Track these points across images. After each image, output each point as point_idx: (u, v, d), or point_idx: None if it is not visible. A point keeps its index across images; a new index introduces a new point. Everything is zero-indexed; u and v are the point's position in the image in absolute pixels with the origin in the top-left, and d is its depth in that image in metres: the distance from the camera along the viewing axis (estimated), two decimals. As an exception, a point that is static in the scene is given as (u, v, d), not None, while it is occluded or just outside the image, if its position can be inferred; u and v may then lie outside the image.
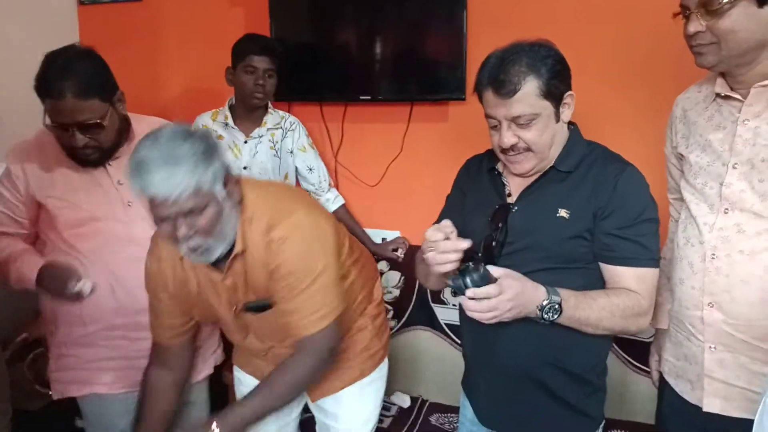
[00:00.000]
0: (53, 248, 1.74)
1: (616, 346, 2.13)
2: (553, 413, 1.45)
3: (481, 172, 1.58)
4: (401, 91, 2.49)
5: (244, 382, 1.79)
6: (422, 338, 2.39)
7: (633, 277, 1.37)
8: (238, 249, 1.44)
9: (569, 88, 1.40)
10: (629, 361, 2.15)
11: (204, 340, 1.86)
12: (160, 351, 1.66)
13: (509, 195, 1.49)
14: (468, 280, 1.25)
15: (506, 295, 1.24)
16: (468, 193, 1.59)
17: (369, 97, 2.48)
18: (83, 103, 1.57)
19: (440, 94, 2.44)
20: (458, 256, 1.29)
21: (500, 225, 1.45)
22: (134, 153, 1.31)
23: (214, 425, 1.42)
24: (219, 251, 1.41)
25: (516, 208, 1.45)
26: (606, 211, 1.37)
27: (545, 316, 1.29)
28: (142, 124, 1.78)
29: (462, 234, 1.52)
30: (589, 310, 1.33)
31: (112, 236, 1.71)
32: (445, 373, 2.32)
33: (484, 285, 1.24)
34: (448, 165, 2.45)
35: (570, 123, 1.46)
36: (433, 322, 2.39)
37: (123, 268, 1.70)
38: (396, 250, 2.48)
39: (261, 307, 1.53)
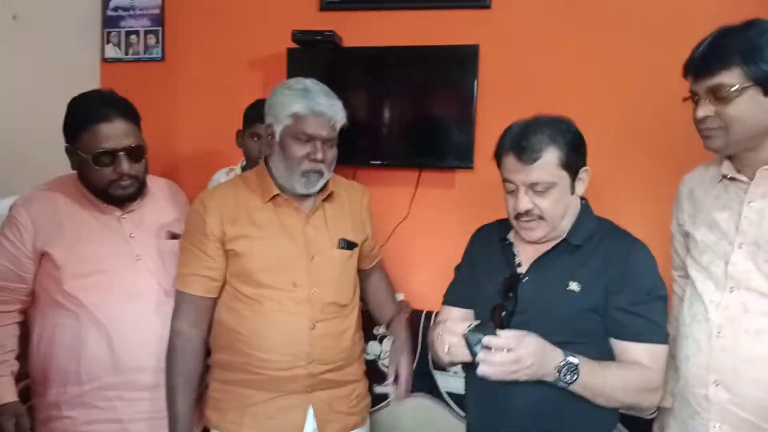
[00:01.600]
0: (49, 302, 1.66)
1: (619, 424, 2.08)
2: None
3: (492, 241, 1.60)
4: (410, 156, 2.54)
5: None
6: (422, 407, 2.34)
7: (645, 353, 1.38)
8: (329, 190, 1.75)
9: (585, 164, 1.46)
10: (632, 438, 2.10)
11: None
12: (191, 306, 1.67)
13: (519, 265, 1.51)
14: (485, 334, 1.28)
15: (527, 348, 1.26)
16: (478, 262, 1.61)
17: (379, 162, 2.54)
18: (129, 126, 1.64)
19: (448, 161, 2.49)
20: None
21: (510, 295, 1.46)
22: (292, 84, 1.65)
23: None
24: (322, 184, 1.70)
25: (527, 278, 1.46)
26: (618, 286, 1.39)
27: (564, 377, 1.30)
28: (151, 182, 1.83)
29: (472, 302, 1.55)
30: (603, 379, 1.33)
31: (119, 290, 1.66)
32: (444, 442, 2.27)
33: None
34: (453, 230, 2.48)
35: (581, 198, 1.50)
36: (433, 390, 2.34)
37: (125, 324, 1.64)
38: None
39: (352, 244, 1.78)
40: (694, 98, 1.37)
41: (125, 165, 1.62)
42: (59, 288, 1.63)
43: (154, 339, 1.67)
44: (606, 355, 1.41)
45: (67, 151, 1.66)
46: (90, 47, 2.93)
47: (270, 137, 1.68)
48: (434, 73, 2.48)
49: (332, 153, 1.69)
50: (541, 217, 1.42)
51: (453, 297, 1.65)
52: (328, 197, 1.76)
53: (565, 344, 1.36)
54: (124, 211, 1.72)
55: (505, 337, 1.29)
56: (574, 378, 1.30)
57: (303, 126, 1.61)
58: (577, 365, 1.31)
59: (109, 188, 1.65)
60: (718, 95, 1.30)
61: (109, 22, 2.94)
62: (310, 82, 1.65)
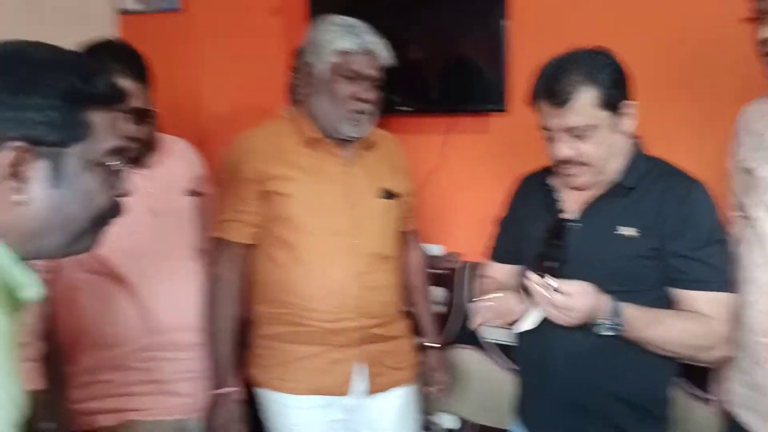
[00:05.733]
0: (70, 268, 1.56)
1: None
2: None
3: (533, 188, 1.52)
4: (440, 101, 2.44)
5: (291, 404, 1.65)
6: (466, 357, 2.29)
7: (706, 301, 1.29)
8: (370, 140, 1.69)
9: (627, 98, 1.34)
10: (689, 389, 2.03)
11: None
12: (229, 253, 1.63)
13: (561, 211, 1.42)
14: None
15: (582, 296, 1.25)
16: (520, 213, 1.54)
17: (407, 108, 2.43)
18: (135, 85, 1.52)
19: (480, 104, 2.38)
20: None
21: (556, 243, 1.38)
22: (336, 20, 1.58)
23: None
24: (370, 128, 1.65)
25: (576, 225, 1.38)
26: (676, 230, 1.30)
27: (607, 326, 1.26)
28: (165, 140, 1.74)
29: (518, 257, 1.49)
30: (654, 329, 1.27)
31: (141, 248, 1.58)
32: (490, 394, 2.22)
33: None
34: (489, 177, 2.40)
35: (635, 136, 1.40)
36: (477, 341, 2.30)
37: (154, 283, 1.59)
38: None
39: (393, 194, 1.71)
40: (760, 16, 1.23)
41: (129, 128, 1.51)
42: None
43: (187, 297, 1.64)
44: (662, 303, 1.34)
45: None
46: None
47: (309, 77, 1.60)
48: (461, 10, 2.33)
49: (377, 94, 1.61)
50: (583, 163, 1.33)
51: (497, 252, 1.60)
52: (368, 146, 1.69)
53: (618, 293, 1.29)
54: (139, 168, 1.62)
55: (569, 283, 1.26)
56: (619, 327, 1.25)
57: (351, 63, 1.55)
58: (620, 323, 1.26)
59: None
60: None
61: (124, -28, 2.82)
62: (353, 20, 1.59)
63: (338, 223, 1.60)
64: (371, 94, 1.58)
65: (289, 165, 1.60)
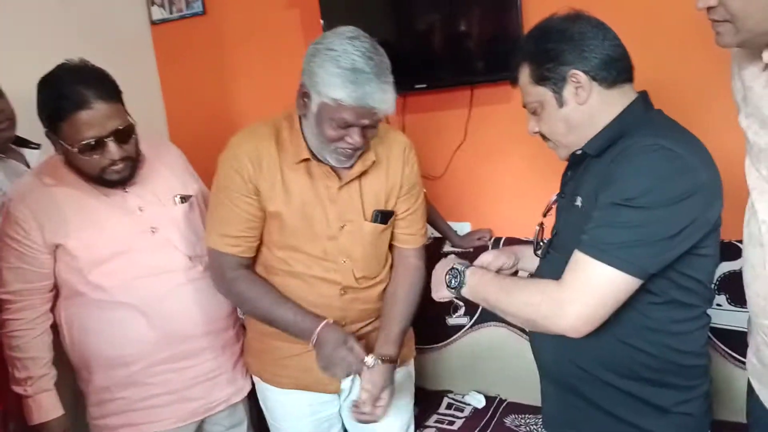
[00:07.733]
0: (72, 293, 1.59)
1: (714, 338, 1.88)
2: (604, 427, 1.27)
3: None
4: (458, 74, 2.36)
5: (284, 402, 1.70)
6: (497, 335, 2.25)
7: (572, 264, 1.13)
8: (370, 160, 1.55)
9: (573, 65, 1.19)
10: (729, 354, 1.89)
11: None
12: (236, 262, 1.56)
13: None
14: None
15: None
16: None
17: (425, 86, 2.38)
18: (111, 107, 1.46)
19: (500, 73, 2.28)
20: None
21: (543, 215, 1.41)
22: (340, 58, 1.34)
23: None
24: (356, 159, 1.52)
25: (558, 197, 1.38)
26: (601, 190, 1.15)
27: (450, 283, 1.33)
28: (144, 146, 1.65)
29: None
30: (495, 292, 1.24)
31: (140, 268, 1.58)
32: (523, 371, 2.16)
33: None
34: (516, 148, 2.30)
35: (641, 92, 1.25)
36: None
37: (156, 299, 1.59)
38: (480, 239, 2.36)
39: (388, 215, 1.61)
40: None
41: (115, 150, 1.48)
42: (82, 278, 1.57)
43: (191, 306, 1.65)
44: None
45: (48, 137, 1.51)
46: (137, 12, 2.96)
47: (304, 98, 1.44)
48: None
49: (372, 133, 1.46)
50: (546, 138, 1.30)
51: None
52: (368, 166, 1.56)
53: None
54: (125, 187, 1.61)
55: None
56: (460, 284, 1.31)
57: (343, 113, 1.37)
58: (461, 271, 1.31)
59: (103, 174, 1.52)
60: None
61: (150, -16, 2.94)
62: (361, 59, 1.34)
63: (326, 244, 1.56)
64: (361, 138, 1.42)
65: (282, 184, 1.52)
